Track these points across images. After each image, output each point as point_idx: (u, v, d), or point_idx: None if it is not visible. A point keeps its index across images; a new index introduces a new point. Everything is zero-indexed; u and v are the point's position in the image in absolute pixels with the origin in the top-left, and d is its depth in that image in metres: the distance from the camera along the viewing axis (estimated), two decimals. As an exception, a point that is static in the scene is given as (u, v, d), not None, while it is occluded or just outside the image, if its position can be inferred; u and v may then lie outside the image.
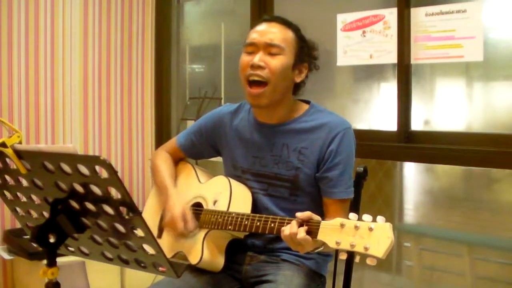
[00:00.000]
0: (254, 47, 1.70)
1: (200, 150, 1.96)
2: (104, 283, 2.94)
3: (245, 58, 1.71)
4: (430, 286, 2.74)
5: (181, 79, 3.66)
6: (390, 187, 2.82)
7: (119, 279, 3.05)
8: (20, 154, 1.24)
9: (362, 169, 1.81)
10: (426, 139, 2.49)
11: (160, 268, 1.26)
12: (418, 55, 2.48)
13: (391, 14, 2.53)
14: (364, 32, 2.63)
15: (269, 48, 1.68)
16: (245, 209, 1.72)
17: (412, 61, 2.50)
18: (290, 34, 1.71)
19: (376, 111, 2.77)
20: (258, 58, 1.67)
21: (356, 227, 1.35)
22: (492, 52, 2.32)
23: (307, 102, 1.81)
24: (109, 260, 1.33)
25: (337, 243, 1.37)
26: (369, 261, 1.33)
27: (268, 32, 1.70)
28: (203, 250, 1.69)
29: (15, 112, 3.05)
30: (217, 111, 1.93)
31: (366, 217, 1.36)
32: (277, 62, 1.67)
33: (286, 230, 1.47)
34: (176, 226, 1.72)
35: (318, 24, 2.81)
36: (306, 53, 1.74)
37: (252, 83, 1.68)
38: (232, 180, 1.77)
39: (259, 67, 1.67)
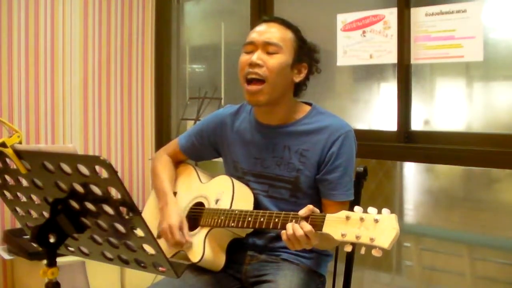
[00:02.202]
0: (252, 46, 1.71)
1: (201, 152, 1.96)
2: (104, 283, 2.94)
3: (243, 57, 1.73)
4: (430, 286, 2.73)
5: (181, 79, 3.66)
6: (390, 187, 2.82)
7: (119, 279, 3.05)
8: (20, 154, 1.24)
9: (362, 169, 1.81)
10: (426, 139, 2.49)
11: (160, 268, 1.26)
12: (418, 55, 2.48)
13: (391, 14, 2.53)
14: (364, 32, 2.63)
15: (267, 47, 1.69)
16: (247, 208, 1.71)
17: (412, 61, 2.50)
18: (289, 34, 1.72)
19: (376, 111, 2.77)
20: (256, 56, 1.68)
21: (362, 219, 1.36)
22: (492, 52, 2.32)
23: (309, 104, 1.81)
24: (109, 260, 1.33)
25: (343, 235, 1.37)
26: (374, 252, 1.33)
27: (267, 31, 1.71)
28: (205, 249, 1.69)
29: (15, 112, 3.05)
30: (219, 112, 1.93)
31: (371, 209, 1.37)
32: (275, 61, 1.68)
33: (287, 232, 1.47)
34: (173, 235, 1.72)
35: (318, 24, 2.81)
36: (305, 53, 1.75)
37: (250, 81, 1.69)
38: (234, 180, 1.78)
39: (257, 65, 1.67)
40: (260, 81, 1.68)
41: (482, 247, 2.58)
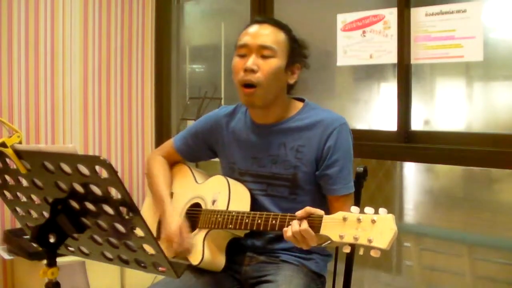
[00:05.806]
0: (246, 50, 1.70)
1: (197, 153, 1.96)
2: (104, 283, 2.94)
3: (238, 62, 1.71)
4: (430, 286, 2.74)
5: (181, 79, 3.66)
6: (390, 187, 2.82)
7: (119, 279, 3.05)
8: (20, 154, 1.24)
9: (362, 169, 1.81)
10: (426, 139, 2.49)
11: (160, 268, 1.26)
12: (418, 55, 2.48)
13: (391, 14, 2.53)
14: (364, 32, 2.63)
15: (261, 50, 1.68)
16: (244, 208, 1.72)
17: (412, 61, 2.50)
18: (282, 35, 1.71)
19: (376, 111, 2.77)
20: (252, 61, 1.67)
21: (359, 220, 1.35)
22: (492, 52, 2.32)
23: (302, 100, 1.81)
24: (109, 260, 1.33)
25: (341, 237, 1.37)
26: (373, 253, 1.33)
27: (261, 34, 1.70)
28: (204, 251, 1.69)
29: (15, 112, 3.05)
30: (214, 113, 1.93)
31: (368, 209, 1.36)
32: (269, 66, 1.67)
33: (288, 231, 1.47)
34: (172, 243, 1.72)
35: (318, 24, 2.81)
36: (298, 53, 1.74)
37: (245, 85, 1.69)
38: (230, 179, 1.77)
39: (252, 71, 1.67)
40: (253, 86, 1.68)
41: (482, 247, 2.58)
